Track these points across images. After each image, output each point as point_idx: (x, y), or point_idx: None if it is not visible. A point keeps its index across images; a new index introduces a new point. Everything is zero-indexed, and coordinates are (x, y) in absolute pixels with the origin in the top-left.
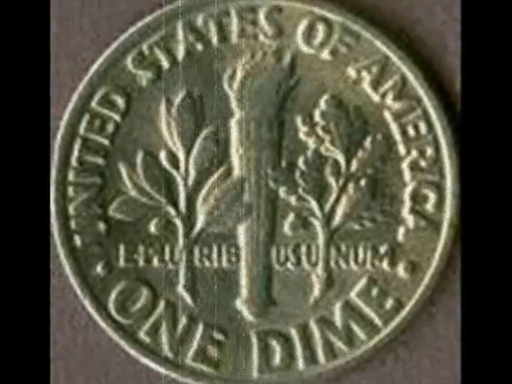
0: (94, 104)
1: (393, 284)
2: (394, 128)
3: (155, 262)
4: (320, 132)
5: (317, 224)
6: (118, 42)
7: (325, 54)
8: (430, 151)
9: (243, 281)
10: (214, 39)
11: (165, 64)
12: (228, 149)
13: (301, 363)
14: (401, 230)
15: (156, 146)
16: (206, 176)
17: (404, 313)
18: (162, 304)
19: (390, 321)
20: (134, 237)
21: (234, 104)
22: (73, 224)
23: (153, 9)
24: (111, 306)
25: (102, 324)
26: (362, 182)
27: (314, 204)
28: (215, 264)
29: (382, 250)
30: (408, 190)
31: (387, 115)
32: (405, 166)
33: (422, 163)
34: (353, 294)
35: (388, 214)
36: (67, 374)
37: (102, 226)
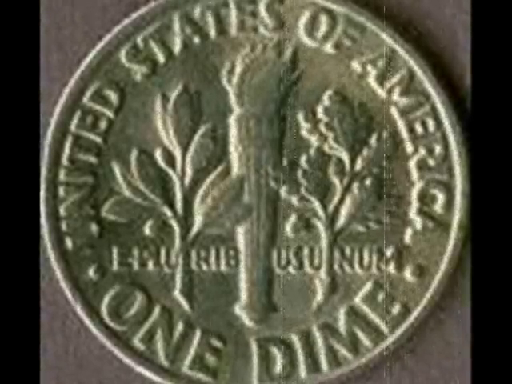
0: (85, 100)
1: (399, 288)
2: (401, 125)
3: (150, 265)
4: (323, 129)
5: (320, 225)
6: (111, 34)
7: (328, 48)
8: (438, 149)
9: (242, 285)
10: (212, 32)
11: (160, 58)
12: (226, 147)
13: (303, 371)
14: (408, 232)
15: (151, 144)
16: (203, 175)
17: (411, 319)
18: (157, 309)
19: (396, 327)
20: (128, 239)
21: (232, 100)
22: (64, 225)
23: None
24: (104, 312)
25: (95, 330)
26: (368, 182)
27: (316, 205)
28: (213, 267)
29: (388, 252)
30: (415, 189)
31: (394, 111)
32: (412, 164)
33: (430, 162)
34: (357, 299)
35: (394, 215)
36: (58, 383)
37: (94, 227)
